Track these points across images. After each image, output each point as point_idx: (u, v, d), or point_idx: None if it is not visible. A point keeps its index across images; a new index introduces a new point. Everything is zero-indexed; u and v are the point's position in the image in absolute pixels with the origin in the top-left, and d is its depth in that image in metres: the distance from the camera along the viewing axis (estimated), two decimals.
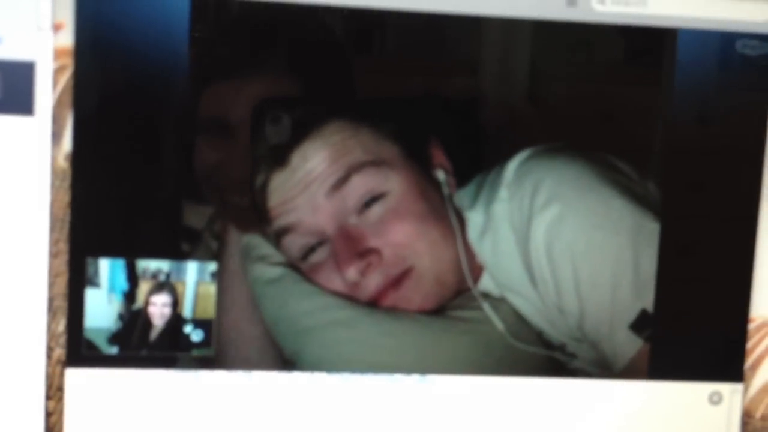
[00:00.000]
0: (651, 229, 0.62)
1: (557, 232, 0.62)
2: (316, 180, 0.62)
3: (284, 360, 0.64)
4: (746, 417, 0.65)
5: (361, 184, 0.62)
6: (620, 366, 0.63)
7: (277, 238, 0.63)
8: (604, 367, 0.64)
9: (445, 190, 0.65)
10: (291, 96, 0.62)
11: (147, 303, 0.59)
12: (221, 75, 0.61)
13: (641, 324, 0.63)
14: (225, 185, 0.62)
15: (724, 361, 0.64)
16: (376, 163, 0.63)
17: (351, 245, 0.63)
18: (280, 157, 0.61)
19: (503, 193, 0.64)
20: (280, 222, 0.63)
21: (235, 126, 0.61)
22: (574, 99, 0.64)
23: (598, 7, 0.59)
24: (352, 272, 0.63)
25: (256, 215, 0.63)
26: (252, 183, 0.62)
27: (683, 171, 0.62)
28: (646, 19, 0.60)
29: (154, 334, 0.60)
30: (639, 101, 0.63)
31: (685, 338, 0.63)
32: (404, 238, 0.63)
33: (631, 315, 0.63)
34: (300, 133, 0.62)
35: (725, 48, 0.61)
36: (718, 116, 0.61)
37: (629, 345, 0.63)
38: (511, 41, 0.62)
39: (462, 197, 0.65)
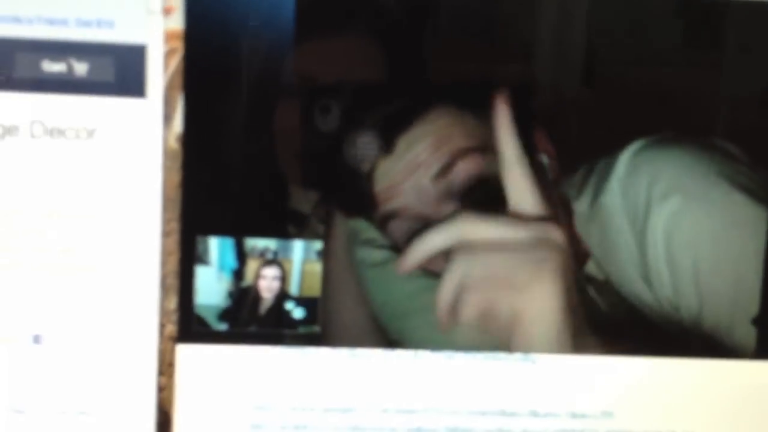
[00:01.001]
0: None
1: (678, 223, 0.62)
2: (422, 166, 0.62)
3: (389, 341, 0.64)
4: None
5: (466, 170, 0.62)
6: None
7: (382, 222, 0.64)
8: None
9: (549, 175, 0.64)
10: (339, 84, 0.62)
11: (258, 276, 0.60)
12: (317, 34, 0.61)
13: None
14: (325, 142, 0.63)
15: None
16: (480, 149, 0.62)
17: None
18: (386, 143, 0.62)
19: (614, 184, 0.63)
20: (386, 207, 0.63)
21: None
22: (677, 85, 0.62)
23: None
24: None
25: (363, 200, 0.63)
26: (358, 169, 0.62)
27: None
28: None
29: (263, 309, 0.61)
30: (754, 79, 0.61)
31: None
32: None
33: (754, 309, 0.62)
34: (405, 120, 0.62)
35: None
36: None
37: (752, 340, 0.62)
38: (613, 26, 0.61)
39: (567, 186, 0.65)
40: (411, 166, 0.62)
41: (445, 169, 0.62)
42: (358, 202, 0.63)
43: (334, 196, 0.63)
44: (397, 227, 0.64)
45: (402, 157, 0.62)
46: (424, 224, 0.63)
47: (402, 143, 0.62)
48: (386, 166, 0.62)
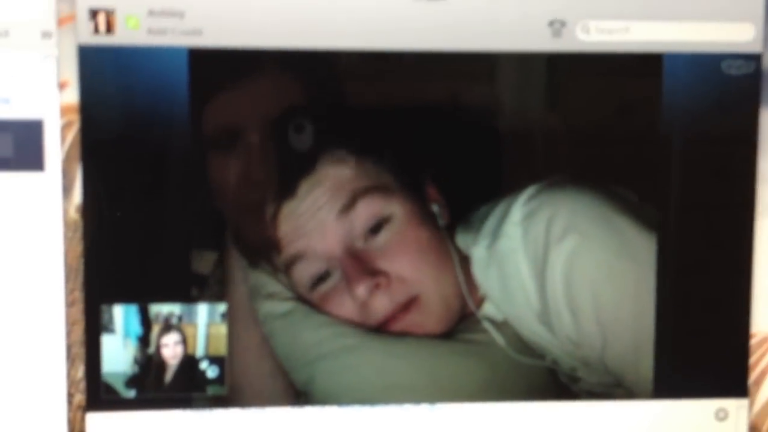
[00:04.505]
0: None
1: (576, 262, 0.64)
2: (324, 206, 0.64)
3: (297, 392, 0.65)
4: None
5: (367, 208, 0.65)
6: (648, 391, 0.64)
7: (287, 268, 0.65)
8: (614, 390, 0.65)
9: (441, 222, 0.66)
10: (313, 103, 0.64)
11: (159, 345, 0.61)
12: (223, 86, 0.63)
13: None
14: (243, 195, 0.64)
15: (728, 378, 0.65)
16: (379, 188, 0.65)
17: (360, 265, 0.65)
18: (288, 188, 0.63)
19: (509, 229, 0.65)
20: (290, 250, 0.65)
21: (244, 132, 0.64)
22: (571, 128, 0.65)
23: (583, 37, 0.61)
24: (362, 290, 0.65)
25: (267, 244, 0.65)
26: (262, 213, 0.64)
27: (678, 192, 0.63)
28: (631, 45, 0.61)
29: (169, 375, 0.61)
30: (633, 125, 0.64)
31: (689, 356, 0.64)
32: (409, 266, 0.65)
33: None
34: (305, 166, 0.64)
35: (711, 69, 0.62)
36: (708, 137, 0.63)
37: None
38: (506, 74, 0.63)
39: (463, 232, 0.67)
40: (314, 208, 0.64)
41: (347, 207, 0.64)
42: (263, 247, 0.65)
43: (238, 243, 0.65)
44: (302, 270, 0.65)
45: (304, 200, 0.64)
46: (328, 266, 0.65)
47: (304, 186, 0.64)
48: (289, 208, 0.64)
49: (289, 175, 0.64)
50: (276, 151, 0.63)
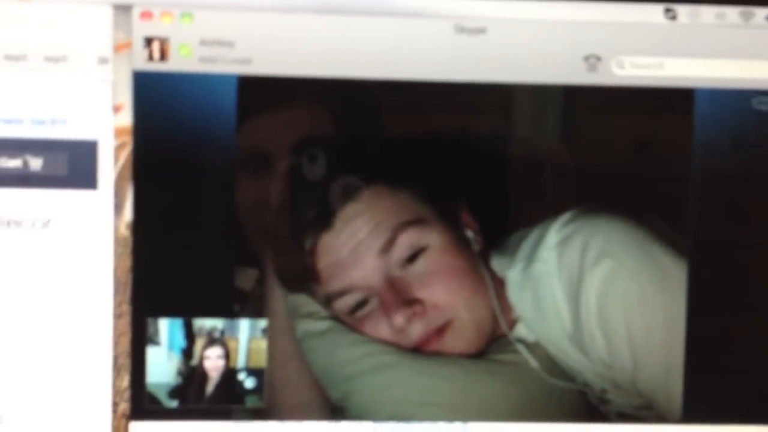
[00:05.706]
0: None
1: (609, 287, 0.65)
2: (364, 242, 0.66)
3: (333, 407, 0.67)
4: None
5: (406, 242, 0.67)
6: (678, 415, 0.66)
7: (328, 300, 0.68)
8: (644, 412, 0.66)
9: (475, 247, 0.68)
10: (326, 134, 0.66)
11: (202, 358, 0.64)
12: (259, 109, 0.64)
13: None
14: (268, 217, 0.66)
15: (757, 404, 0.66)
16: (416, 222, 0.67)
17: (398, 295, 0.66)
18: (325, 220, 0.66)
19: (544, 253, 0.67)
20: (331, 286, 0.67)
21: (274, 157, 0.66)
22: (604, 157, 0.67)
23: (618, 72, 0.63)
24: (399, 319, 0.66)
25: (306, 276, 0.67)
26: (300, 244, 0.66)
27: (709, 224, 0.65)
28: (664, 80, 0.63)
29: (210, 387, 0.64)
30: (665, 158, 0.66)
31: (719, 382, 0.66)
32: (444, 292, 0.67)
33: None
34: (342, 199, 0.66)
35: (741, 105, 0.63)
36: (738, 172, 0.64)
37: None
38: (540, 105, 0.65)
39: (498, 256, 0.69)
40: (352, 243, 0.66)
41: (389, 245, 0.66)
42: (302, 277, 0.67)
43: (277, 272, 0.67)
44: (343, 302, 0.67)
45: (342, 231, 0.66)
46: (367, 295, 0.67)
47: (340, 220, 0.66)
48: (328, 241, 0.66)
49: (325, 207, 0.66)
50: (310, 181, 0.65)
